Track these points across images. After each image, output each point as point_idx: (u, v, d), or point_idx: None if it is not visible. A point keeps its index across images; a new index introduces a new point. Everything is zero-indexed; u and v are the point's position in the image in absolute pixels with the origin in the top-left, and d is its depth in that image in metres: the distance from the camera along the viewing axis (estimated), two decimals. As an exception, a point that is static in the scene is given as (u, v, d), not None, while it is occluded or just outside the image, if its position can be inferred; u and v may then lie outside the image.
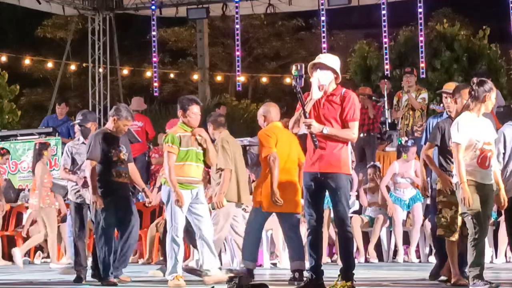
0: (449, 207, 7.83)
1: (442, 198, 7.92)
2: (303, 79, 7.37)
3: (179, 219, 8.47)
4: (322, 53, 9.03)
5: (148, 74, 27.84)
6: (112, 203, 8.80)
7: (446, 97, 8.38)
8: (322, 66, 7.50)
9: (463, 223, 7.57)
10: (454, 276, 7.82)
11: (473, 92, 7.42)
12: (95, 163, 8.82)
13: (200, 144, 8.63)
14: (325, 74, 7.47)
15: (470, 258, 7.25)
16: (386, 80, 15.30)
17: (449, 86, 8.47)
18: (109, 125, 9.05)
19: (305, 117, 7.34)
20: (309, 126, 7.32)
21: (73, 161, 9.45)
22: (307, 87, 7.53)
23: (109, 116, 9.17)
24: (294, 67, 7.40)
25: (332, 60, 7.56)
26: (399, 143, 12.95)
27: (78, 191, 9.38)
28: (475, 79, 7.50)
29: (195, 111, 8.57)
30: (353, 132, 7.47)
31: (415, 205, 11.99)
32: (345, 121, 7.46)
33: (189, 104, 8.59)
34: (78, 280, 9.27)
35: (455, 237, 7.81)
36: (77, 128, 9.62)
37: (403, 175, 12.04)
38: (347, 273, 7.52)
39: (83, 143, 9.43)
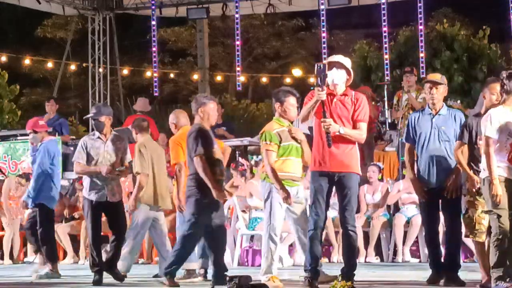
0: (475, 207, 7.64)
1: (469, 198, 7.72)
2: (326, 79, 7.43)
3: (278, 217, 7.98)
4: (321, 53, 9.07)
5: (148, 74, 27.86)
6: (214, 202, 8.26)
7: (431, 87, 8.11)
8: (338, 66, 7.58)
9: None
10: (483, 278, 7.59)
11: (505, 86, 7.25)
12: (204, 158, 8.18)
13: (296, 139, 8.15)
14: (339, 74, 7.57)
15: (493, 258, 7.12)
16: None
17: (435, 77, 8.28)
18: (199, 119, 8.44)
19: (325, 117, 7.38)
20: (328, 125, 7.39)
21: (88, 156, 9.07)
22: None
23: (195, 111, 8.48)
24: (317, 66, 7.44)
25: (347, 61, 7.74)
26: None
27: (98, 188, 9.00)
28: (504, 73, 7.37)
29: (292, 102, 8.06)
30: (363, 132, 7.64)
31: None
32: (356, 122, 7.57)
33: (285, 96, 8.07)
34: (98, 281, 8.95)
35: (482, 238, 7.61)
36: (91, 121, 9.33)
37: (408, 191, 11.94)
38: (348, 274, 7.53)
39: (98, 137, 9.13)
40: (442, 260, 8.12)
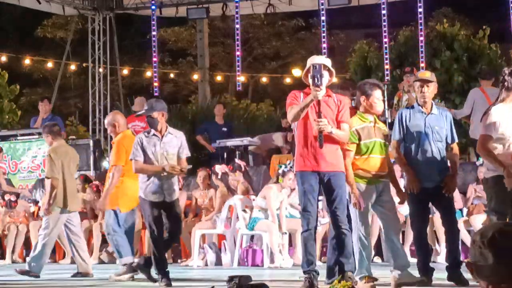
0: None
1: None
2: (322, 79, 7.44)
3: (364, 216, 7.74)
4: (321, 53, 9.07)
5: (148, 74, 27.88)
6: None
7: (422, 86, 7.96)
8: (323, 67, 7.58)
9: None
10: None
11: (506, 83, 7.21)
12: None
13: (386, 135, 7.85)
14: (325, 75, 7.56)
15: None
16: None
17: (425, 74, 8.15)
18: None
19: (319, 117, 7.40)
20: (324, 125, 7.38)
21: (144, 154, 8.73)
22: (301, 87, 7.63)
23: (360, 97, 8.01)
24: (313, 67, 7.43)
25: (329, 62, 7.73)
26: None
27: (155, 188, 8.65)
28: (506, 70, 7.32)
29: (378, 96, 7.81)
30: (348, 133, 7.67)
31: None
32: (339, 123, 7.59)
33: (372, 89, 7.80)
34: (169, 284, 8.57)
35: None
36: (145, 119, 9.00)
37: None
38: (347, 273, 7.53)
39: (154, 134, 8.77)
40: (444, 258, 8.10)
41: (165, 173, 8.63)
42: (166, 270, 8.67)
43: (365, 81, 8.15)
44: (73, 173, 10.23)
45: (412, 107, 8.08)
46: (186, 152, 8.86)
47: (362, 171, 7.65)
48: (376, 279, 7.61)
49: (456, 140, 8.04)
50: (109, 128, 9.62)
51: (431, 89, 7.99)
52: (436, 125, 7.89)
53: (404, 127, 7.92)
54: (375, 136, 7.71)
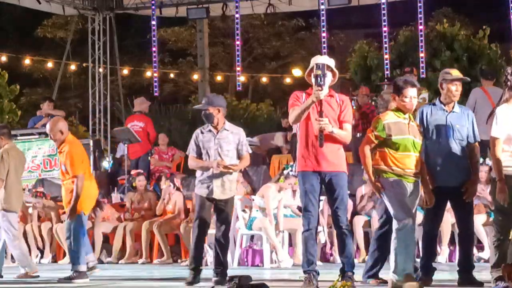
0: None
1: None
2: (325, 79, 7.44)
3: (405, 205, 7.36)
4: (321, 53, 9.04)
5: (148, 74, 27.89)
6: None
7: (457, 84, 7.86)
8: (326, 67, 7.57)
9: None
10: None
11: (509, 83, 7.17)
12: None
13: (420, 132, 7.63)
14: (327, 75, 7.56)
15: (492, 258, 7.07)
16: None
17: (459, 73, 8.02)
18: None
19: (321, 116, 7.39)
20: (325, 124, 7.38)
21: (199, 149, 8.58)
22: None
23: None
24: (315, 67, 7.42)
25: (332, 62, 7.70)
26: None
27: (207, 184, 8.52)
28: (509, 69, 7.27)
29: (409, 94, 7.50)
30: (350, 133, 7.66)
31: None
32: (342, 123, 7.60)
33: (404, 87, 7.52)
34: (193, 281, 8.47)
35: None
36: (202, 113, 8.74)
37: None
38: (347, 273, 7.53)
39: (209, 130, 8.60)
40: (456, 260, 7.98)
41: (214, 170, 8.49)
42: (200, 268, 8.55)
43: (400, 78, 7.96)
44: (21, 175, 10.38)
45: (434, 104, 7.94)
46: (246, 149, 8.68)
47: (396, 167, 7.40)
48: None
49: (478, 140, 7.82)
50: (56, 135, 9.48)
51: (461, 88, 7.90)
52: (458, 123, 7.76)
53: (425, 124, 7.77)
54: (409, 133, 7.44)
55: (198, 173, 8.65)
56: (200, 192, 8.57)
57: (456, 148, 7.72)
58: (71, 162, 9.31)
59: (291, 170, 12.03)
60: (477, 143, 7.86)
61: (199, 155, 8.59)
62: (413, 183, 7.43)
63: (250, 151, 8.86)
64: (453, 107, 7.84)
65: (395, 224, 7.27)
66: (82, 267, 9.35)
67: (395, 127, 7.40)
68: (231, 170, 8.53)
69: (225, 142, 8.55)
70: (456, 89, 7.82)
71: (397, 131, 7.39)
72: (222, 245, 8.59)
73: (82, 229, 9.44)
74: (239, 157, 8.62)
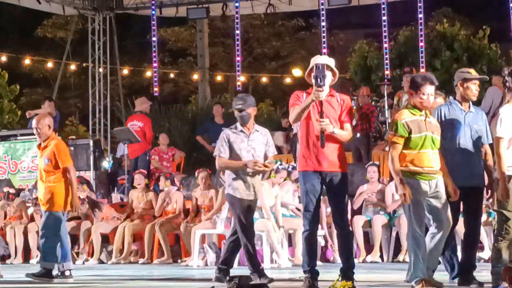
0: None
1: None
2: (325, 79, 7.42)
3: (420, 212, 7.28)
4: (321, 53, 9.02)
5: (148, 74, 27.90)
6: None
7: (477, 84, 7.81)
8: (326, 67, 7.57)
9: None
10: None
11: (507, 84, 7.16)
12: None
13: (436, 127, 7.44)
14: (328, 75, 7.56)
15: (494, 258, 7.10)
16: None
17: (475, 72, 7.97)
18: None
19: (322, 117, 7.39)
20: (326, 125, 7.38)
21: (230, 150, 8.49)
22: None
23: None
24: (315, 67, 7.41)
25: (332, 62, 7.70)
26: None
27: (241, 184, 8.44)
28: (506, 70, 7.26)
29: (427, 91, 7.32)
30: (350, 133, 7.67)
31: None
32: (342, 123, 7.60)
33: (422, 83, 7.35)
34: (221, 279, 8.45)
35: None
36: (237, 114, 8.57)
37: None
38: (347, 273, 7.53)
39: (241, 130, 8.51)
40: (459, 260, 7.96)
41: (249, 170, 8.42)
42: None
43: (418, 75, 7.80)
44: None
45: (450, 103, 7.85)
46: (272, 150, 8.65)
47: (414, 166, 7.26)
48: (437, 283, 7.27)
49: (491, 141, 7.69)
50: (44, 129, 9.51)
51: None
52: (475, 124, 7.73)
53: (443, 123, 7.63)
54: (426, 130, 7.29)
55: (231, 174, 8.52)
56: (242, 195, 8.44)
57: (472, 148, 7.68)
58: (60, 153, 9.41)
59: (280, 164, 12.02)
60: (488, 145, 7.80)
61: (230, 156, 8.49)
62: (433, 181, 7.29)
63: (276, 153, 8.85)
64: (469, 107, 7.80)
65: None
66: (53, 265, 9.34)
67: (413, 125, 7.27)
68: (266, 169, 8.51)
69: (256, 143, 8.53)
70: (476, 88, 7.80)
71: (415, 129, 7.26)
72: (236, 246, 8.70)
73: (63, 228, 9.49)
74: (265, 158, 8.58)
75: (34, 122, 9.65)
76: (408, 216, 7.28)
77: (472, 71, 7.97)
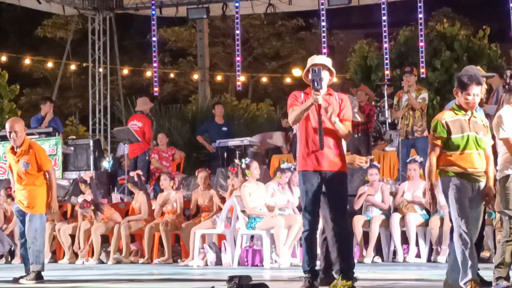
0: None
1: None
2: (322, 82, 7.46)
3: (465, 211, 7.05)
4: (321, 53, 9.00)
5: (148, 74, 27.90)
6: None
7: (484, 82, 7.73)
8: (322, 67, 7.58)
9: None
10: None
11: (507, 86, 7.22)
12: None
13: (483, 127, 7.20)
14: (325, 75, 7.57)
15: (498, 258, 7.06)
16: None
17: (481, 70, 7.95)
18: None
19: (320, 120, 7.42)
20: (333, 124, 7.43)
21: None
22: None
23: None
24: (312, 70, 7.44)
25: (329, 62, 7.73)
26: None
27: None
28: (508, 72, 7.22)
29: (473, 91, 7.08)
30: (350, 131, 7.70)
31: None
32: (341, 121, 7.61)
33: (468, 83, 7.10)
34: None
35: None
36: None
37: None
38: (347, 273, 7.52)
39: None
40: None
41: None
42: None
43: (464, 74, 7.30)
44: None
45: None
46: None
47: (457, 167, 7.05)
48: (485, 282, 7.18)
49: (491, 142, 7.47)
50: (21, 133, 9.51)
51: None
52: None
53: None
54: (469, 130, 7.07)
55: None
56: None
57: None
58: (41, 157, 9.49)
59: (288, 166, 12.04)
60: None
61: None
62: (476, 184, 7.10)
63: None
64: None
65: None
66: (43, 267, 9.50)
67: (454, 125, 7.07)
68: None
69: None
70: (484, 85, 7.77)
71: (456, 129, 7.06)
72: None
73: (44, 230, 9.73)
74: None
75: (8, 126, 9.53)
76: (454, 216, 7.09)
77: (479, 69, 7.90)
